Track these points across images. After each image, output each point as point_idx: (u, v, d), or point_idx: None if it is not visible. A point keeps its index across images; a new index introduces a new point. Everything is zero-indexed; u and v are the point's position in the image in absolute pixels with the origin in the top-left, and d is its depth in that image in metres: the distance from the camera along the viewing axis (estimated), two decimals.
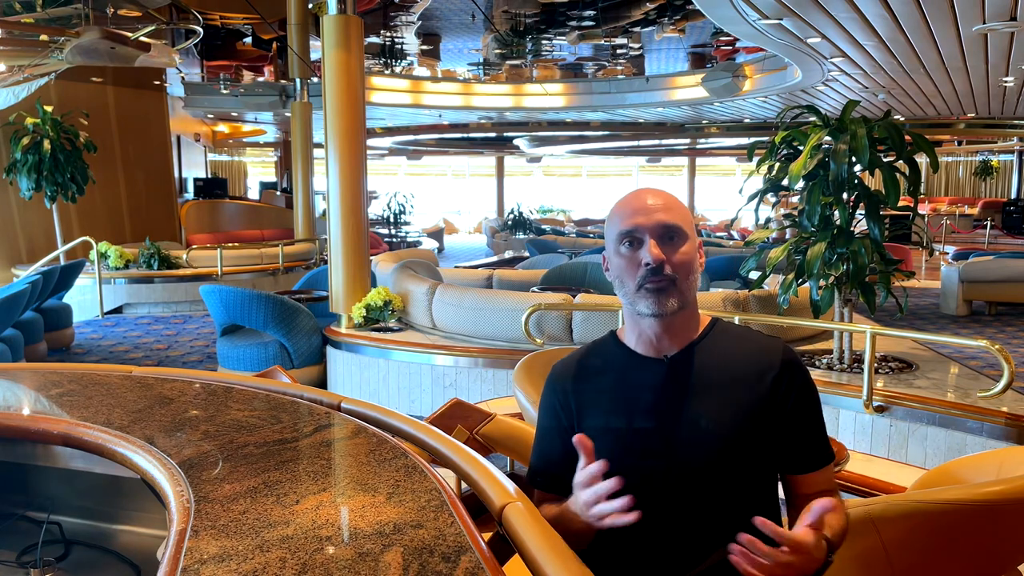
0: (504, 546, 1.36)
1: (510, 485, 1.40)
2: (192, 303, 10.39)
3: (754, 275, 5.34)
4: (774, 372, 1.48)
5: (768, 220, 5.99)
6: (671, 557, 1.47)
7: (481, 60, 15.51)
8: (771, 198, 5.08)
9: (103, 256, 10.23)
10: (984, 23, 6.12)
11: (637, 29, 12.30)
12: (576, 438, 1.37)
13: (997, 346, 3.97)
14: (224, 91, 13.82)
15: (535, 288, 7.35)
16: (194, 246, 12.59)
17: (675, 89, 13.33)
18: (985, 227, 18.28)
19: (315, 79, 12.20)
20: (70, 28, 7.02)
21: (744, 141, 18.65)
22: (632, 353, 1.55)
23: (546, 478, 1.61)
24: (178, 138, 15.58)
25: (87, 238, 10.09)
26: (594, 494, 1.34)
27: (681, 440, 1.46)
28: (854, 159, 4.48)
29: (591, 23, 11.92)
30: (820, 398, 1.55)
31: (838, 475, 3.25)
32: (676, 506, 1.47)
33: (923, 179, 5.72)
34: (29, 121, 10.08)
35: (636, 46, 13.81)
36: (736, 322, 4.64)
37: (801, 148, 4.64)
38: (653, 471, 1.47)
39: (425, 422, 1.81)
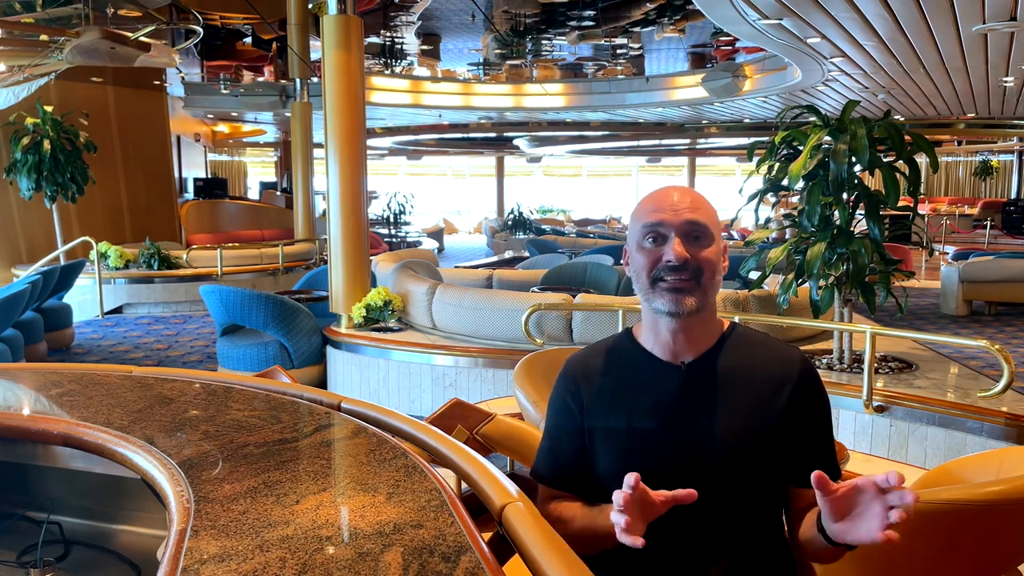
0: (504, 546, 1.35)
1: (510, 485, 1.40)
2: (192, 303, 10.38)
3: (754, 275, 5.34)
4: (792, 385, 1.47)
5: (768, 220, 6.00)
6: (678, 563, 1.46)
7: (481, 60, 15.52)
8: (771, 198, 5.08)
9: (103, 256, 10.23)
10: (984, 23, 6.11)
11: (637, 29, 12.30)
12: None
13: (997, 346, 3.97)
14: (224, 91, 13.82)
15: (535, 288, 7.35)
16: (194, 246, 12.59)
17: (675, 89, 13.33)
18: (985, 227, 18.28)
19: (315, 79, 12.20)
20: (70, 28, 7.02)
21: (744, 141, 18.63)
22: (649, 355, 1.53)
23: (553, 473, 1.59)
24: (178, 138, 15.58)
25: (87, 238, 10.09)
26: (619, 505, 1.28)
27: (693, 447, 1.45)
28: (854, 159, 4.48)
29: (591, 23, 11.93)
30: (831, 414, 1.54)
31: None
32: (684, 512, 1.46)
33: (923, 179, 5.72)
34: (29, 121, 10.08)
35: (636, 46, 13.82)
36: (736, 322, 4.64)
37: (801, 148, 4.64)
38: (662, 475, 1.45)
39: (425, 422, 1.81)
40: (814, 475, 1.20)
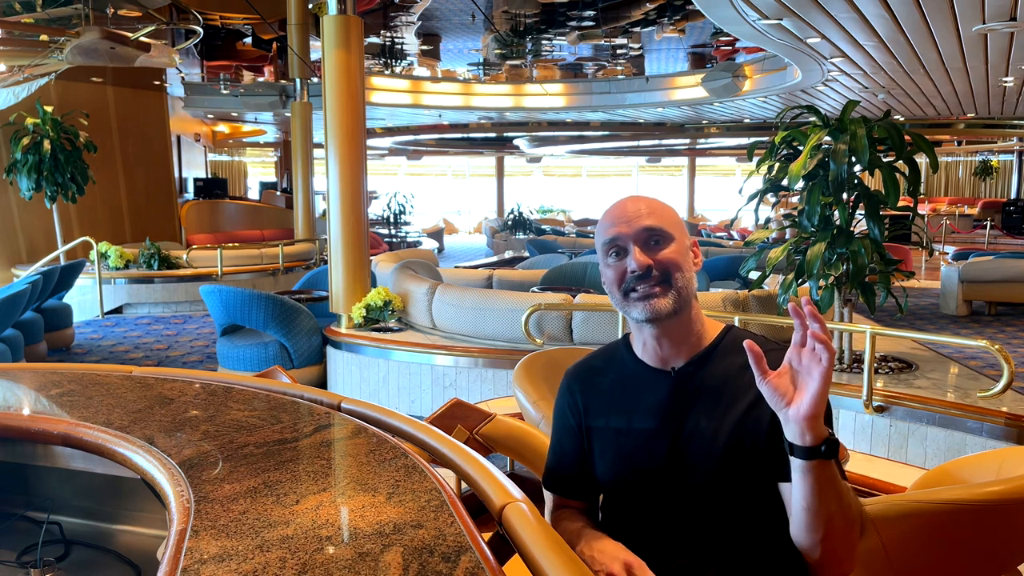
0: (504, 546, 1.36)
1: (510, 485, 1.40)
2: (192, 303, 10.39)
3: (754, 275, 5.34)
4: None
5: (768, 220, 6.00)
6: (672, 565, 1.46)
7: (481, 60, 15.52)
8: (771, 198, 5.08)
9: (103, 256, 10.23)
10: (984, 23, 6.12)
11: (637, 29, 12.30)
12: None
13: (997, 346, 3.98)
14: (224, 91, 13.82)
15: (535, 288, 7.35)
16: (194, 246, 12.59)
17: (675, 89, 13.33)
18: (985, 227, 18.28)
19: (315, 79, 12.21)
20: (70, 28, 7.03)
21: (744, 141, 18.65)
22: (639, 362, 1.55)
23: (559, 479, 1.62)
24: (178, 138, 15.58)
25: (87, 238, 10.09)
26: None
27: (684, 450, 1.45)
28: (854, 159, 4.48)
29: (591, 23, 11.93)
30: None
31: None
32: (676, 515, 1.46)
33: (923, 179, 5.72)
34: (29, 121, 10.08)
35: (636, 46, 13.82)
36: (736, 322, 4.65)
37: (801, 148, 4.64)
38: (656, 480, 1.47)
39: (425, 422, 1.81)
40: (747, 343, 1.26)
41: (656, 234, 1.47)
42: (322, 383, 6.42)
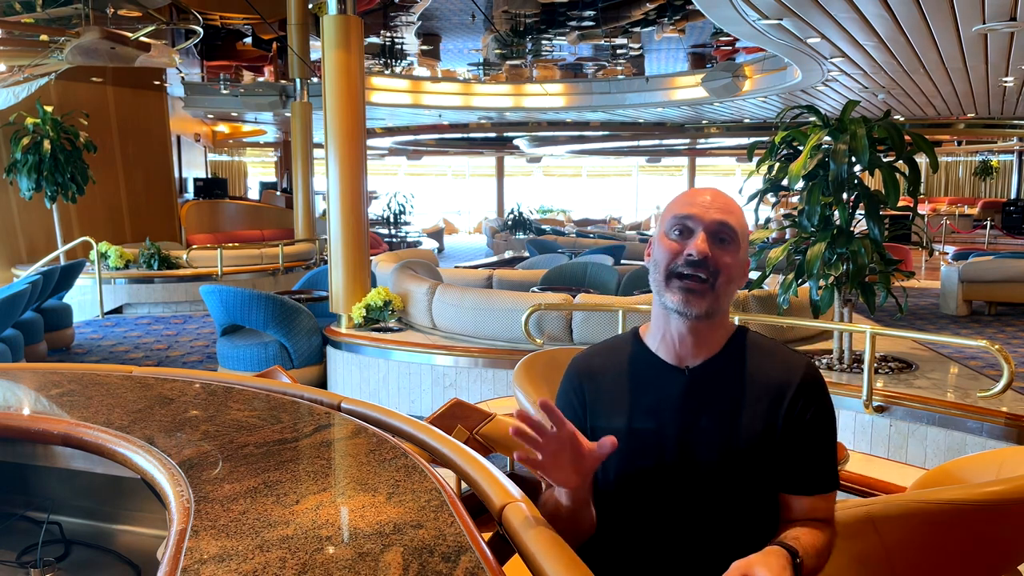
0: (504, 546, 1.35)
1: (510, 485, 1.40)
2: (192, 303, 10.39)
3: (754, 275, 5.34)
4: (792, 391, 1.44)
5: (768, 220, 6.00)
6: (673, 565, 1.46)
7: (481, 60, 15.52)
8: (771, 198, 5.08)
9: (103, 256, 10.23)
10: (984, 23, 6.12)
11: (637, 29, 12.31)
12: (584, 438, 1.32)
13: (997, 346, 3.98)
14: (224, 91, 13.82)
15: (535, 288, 7.35)
16: (194, 246, 12.59)
17: (675, 89, 13.33)
18: (985, 227, 18.28)
19: (315, 79, 12.21)
20: (70, 28, 7.03)
21: (744, 141, 18.64)
22: (653, 357, 1.52)
23: None
24: (178, 138, 15.58)
25: (87, 238, 10.09)
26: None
27: (692, 450, 1.44)
28: (854, 159, 4.48)
29: (591, 23, 11.93)
30: (836, 425, 1.50)
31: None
32: (681, 513, 1.46)
33: (923, 179, 5.72)
34: (29, 121, 10.08)
35: (636, 46, 13.82)
36: (736, 323, 4.64)
37: (801, 148, 4.64)
38: (662, 476, 1.46)
39: (425, 422, 1.81)
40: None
41: (727, 232, 1.43)
42: (322, 383, 6.42)
